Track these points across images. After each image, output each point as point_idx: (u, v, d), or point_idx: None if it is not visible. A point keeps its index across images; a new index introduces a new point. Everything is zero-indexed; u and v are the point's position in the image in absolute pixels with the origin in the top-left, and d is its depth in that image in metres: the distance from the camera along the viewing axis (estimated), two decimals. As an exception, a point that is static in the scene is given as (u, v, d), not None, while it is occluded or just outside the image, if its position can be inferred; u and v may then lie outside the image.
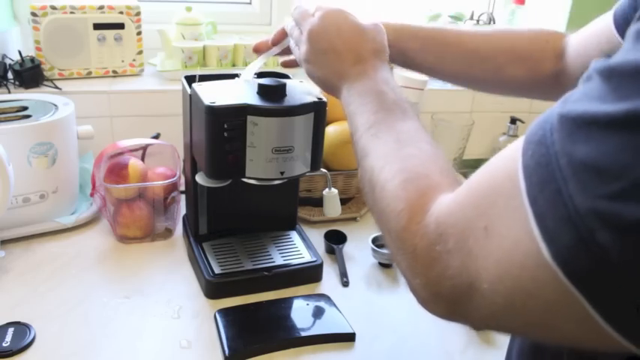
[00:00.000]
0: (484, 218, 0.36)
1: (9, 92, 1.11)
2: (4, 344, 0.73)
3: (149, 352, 0.75)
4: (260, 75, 0.82)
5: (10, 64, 1.13)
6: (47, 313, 0.80)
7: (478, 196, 0.37)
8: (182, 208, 1.03)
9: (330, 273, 0.94)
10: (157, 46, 1.28)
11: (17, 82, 1.13)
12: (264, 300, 0.85)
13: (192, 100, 0.81)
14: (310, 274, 0.92)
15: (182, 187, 1.01)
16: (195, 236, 0.94)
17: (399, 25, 0.75)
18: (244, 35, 1.33)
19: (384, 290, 0.92)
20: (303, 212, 1.08)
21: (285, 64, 0.82)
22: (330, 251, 1.00)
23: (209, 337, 0.78)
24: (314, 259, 0.92)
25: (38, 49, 1.15)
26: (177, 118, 0.94)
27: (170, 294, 0.86)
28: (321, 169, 0.85)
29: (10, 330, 0.75)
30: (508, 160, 0.35)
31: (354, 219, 1.11)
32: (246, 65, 1.25)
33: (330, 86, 0.66)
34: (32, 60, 1.14)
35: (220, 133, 0.75)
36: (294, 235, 0.98)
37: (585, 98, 0.32)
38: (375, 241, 0.98)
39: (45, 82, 1.15)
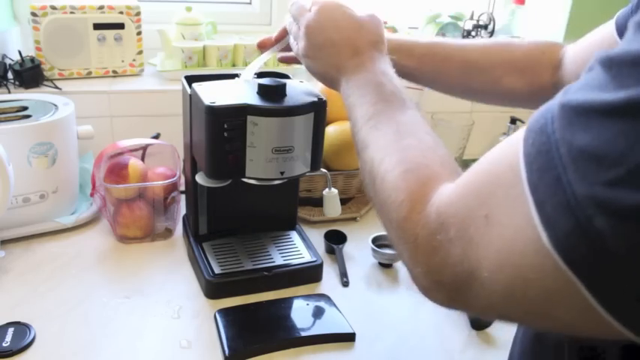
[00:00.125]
0: (485, 207, 0.36)
1: (9, 92, 1.11)
2: (4, 344, 0.73)
3: (149, 352, 0.75)
4: (260, 75, 0.82)
5: (10, 64, 1.13)
6: (47, 313, 0.80)
7: (479, 185, 0.38)
8: (182, 208, 1.03)
9: (330, 273, 0.94)
10: (157, 46, 1.28)
11: (17, 82, 1.13)
12: (264, 300, 0.85)
13: (192, 100, 0.81)
14: (310, 274, 0.92)
15: (182, 187, 1.01)
16: (195, 236, 0.94)
17: (394, 42, 0.74)
18: (244, 35, 1.33)
19: (384, 290, 0.92)
20: (303, 212, 1.08)
21: (282, 60, 0.82)
22: (330, 251, 1.00)
23: (209, 337, 0.78)
24: (314, 259, 0.92)
25: (38, 49, 1.15)
26: (177, 118, 0.94)
27: (170, 294, 0.86)
28: (321, 169, 0.85)
29: (10, 330, 0.75)
30: (509, 150, 0.36)
31: (354, 219, 1.11)
32: (246, 65, 1.25)
33: (330, 80, 0.66)
34: (32, 60, 1.14)
35: (220, 133, 0.75)
36: (294, 235, 0.98)
37: (586, 87, 0.32)
38: (375, 241, 0.98)
39: (45, 82, 1.15)
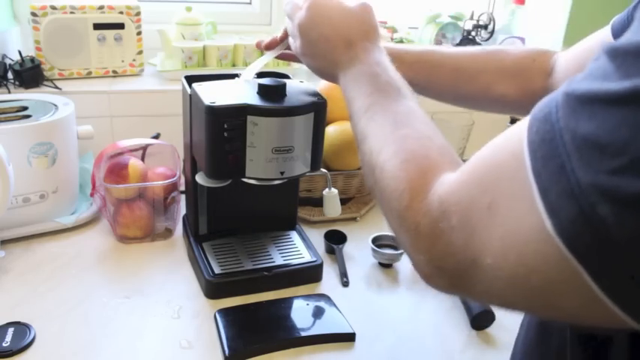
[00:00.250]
0: (488, 195, 0.36)
1: (9, 92, 1.11)
2: (4, 344, 0.73)
3: (149, 352, 0.75)
4: (260, 75, 0.82)
5: (10, 64, 1.13)
6: (47, 313, 0.80)
7: (482, 174, 0.38)
8: (182, 208, 1.03)
9: (330, 273, 0.94)
10: (157, 46, 1.28)
11: (17, 82, 1.13)
12: (264, 300, 0.85)
13: (192, 100, 0.81)
14: (310, 274, 0.92)
15: (182, 187, 1.01)
16: (195, 236, 0.94)
17: (387, 50, 0.75)
18: (244, 35, 1.33)
19: (384, 290, 0.92)
20: (303, 212, 1.08)
21: (281, 57, 0.82)
22: (330, 251, 1.00)
23: (209, 337, 0.78)
24: (314, 259, 0.92)
25: (38, 49, 1.15)
26: (177, 118, 0.94)
27: (170, 294, 0.86)
28: (321, 169, 0.85)
29: (10, 330, 0.75)
30: (513, 138, 0.36)
31: (354, 219, 1.11)
32: (246, 65, 1.25)
33: (329, 75, 0.66)
34: (32, 60, 1.14)
35: (220, 133, 0.75)
36: (294, 235, 0.98)
37: (590, 77, 0.33)
38: (375, 241, 0.98)
39: (45, 82, 1.15)
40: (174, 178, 1.00)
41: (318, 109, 0.79)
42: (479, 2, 1.57)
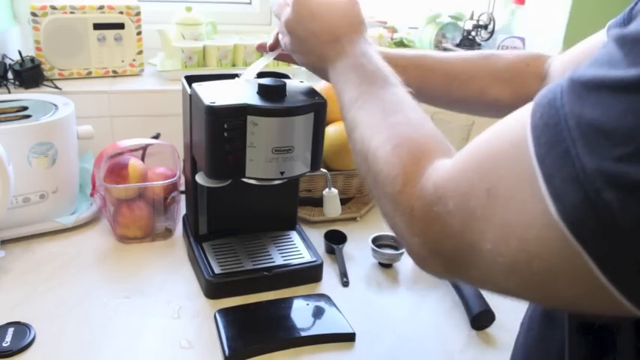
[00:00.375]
0: (487, 180, 0.36)
1: (9, 92, 1.11)
2: (4, 344, 0.73)
3: (149, 352, 0.75)
4: (260, 75, 0.82)
5: (10, 64, 1.13)
6: (47, 313, 0.80)
7: (481, 159, 0.38)
8: (182, 208, 1.03)
9: (330, 273, 0.94)
10: (157, 46, 1.28)
11: (17, 82, 1.13)
12: (264, 300, 0.85)
13: (192, 100, 0.81)
14: (310, 274, 0.92)
15: (182, 187, 1.01)
16: (195, 236, 0.94)
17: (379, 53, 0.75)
18: (244, 35, 1.33)
19: (384, 290, 0.92)
20: (303, 212, 1.08)
21: (279, 58, 0.83)
22: (330, 251, 1.00)
23: (209, 337, 0.78)
24: (314, 259, 0.92)
25: (38, 49, 1.15)
26: (177, 118, 0.94)
27: (170, 294, 0.86)
28: (321, 169, 0.85)
29: (10, 330, 0.75)
30: (515, 124, 0.36)
31: (354, 219, 1.11)
32: (246, 65, 1.25)
33: (320, 71, 0.67)
34: (32, 60, 1.14)
35: (220, 133, 0.75)
36: (294, 235, 0.98)
37: (597, 64, 0.33)
38: (375, 241, 0.98)
39: (45, 82, 1.15)
40: (174, 178, 1.00)
41: (318, 109, 0.79)
42: (479, 2, 1.57)
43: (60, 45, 1.16)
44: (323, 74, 0.67)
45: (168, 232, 1.02)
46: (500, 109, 0.77)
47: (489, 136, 0.39)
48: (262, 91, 0.77)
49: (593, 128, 0.30)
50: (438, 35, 1.46)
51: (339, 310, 0.84)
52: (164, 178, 1.02)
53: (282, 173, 0.79)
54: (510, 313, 0.81)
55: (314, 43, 0.65)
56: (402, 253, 0.96)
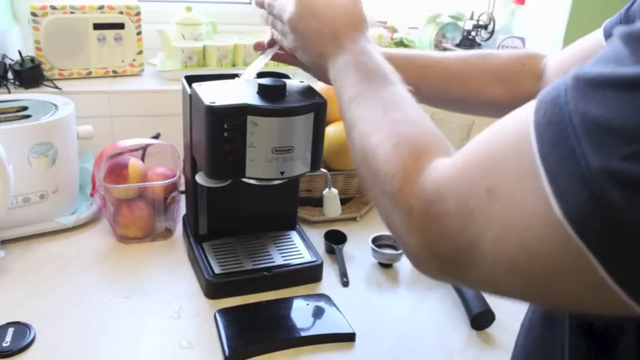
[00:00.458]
0: (487, 179, 0.36)
1: (9, 92, 1.11)
2: (4, 344, 0.73)
3: (149, 352, 0.75)
4: (260, 75, 0.82)
5: (10, 64, 1.13)
6: (47, 313, 0.80)
7: (482, 158, 0.37)
8: (182, 208, 1.03)
9: (330, 273, 0.94)
10: (157, 46, 1.28)
11: (17, 82, 1.13)
12: (264, 300, 0.85)
13: (192, 100, 0.81)
14: (310, 274, 0.92)
15: (182, 187, 1.01)
16: (195, 236, 0.94)
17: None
18: (244, 35, 1.33)
19: (384, 290, 0.92)
20: (303, 212, 1.08)
21: (276, 58, 0.83)
22: (330, 251, 1.00)
23: (209, 337, 0.78)
24: (314, 259, 0.92)
25: (38, 49, 1.15)
26: (177, 118, 0.94)
27: (170, 294, 0.86)
28: (321, 169, 0.85)
29: (10, 330, 0.75)
30: (517, 122, 0.36)
31: (354, 219, 1.11)
32: (246, 65, 1.25)
33: (320, 69, 0.66)
34: (32, 60, 1.14)
35: (220, 133, 0.75)
36: (294, 235, 0.98)
37: (602, 61, 0.32)
38: (375, 241, 0.98)
39: (45, 82, 1.15)
40: (174, 178, 1.00)
41: (318, 109, 0.79)
42: (479, 2, 1.57)
43: (60, 45, 1.16)
44: (323, 73, 0.66)
45: (168, 232, 1.02)
46: (497, 108, 0.77)
47: (490, 134, 0.38)
48: (262, 91, 0.77)
49: (599, 126, 0.30)
50: (438, 35, 1.46)
51: (339, 310, 0.84)
52: (164, 178, 1.02)
53: (282, 173, 0.79)
54: (510, 314, 0.81)
55: (315, 39, 0.65)
56: (402, 253, 0.96)
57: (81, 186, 1.07)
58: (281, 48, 0.79)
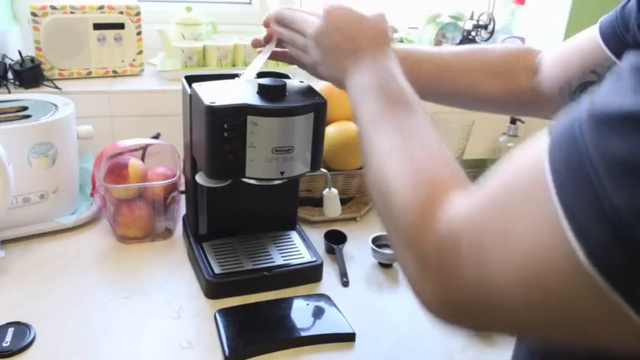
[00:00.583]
0: (503, 222, 0.35)
1: (9, 92, 1.11)
2: (4, 344, 0.73)
3: (149, 352, 0.75)
4: (260, 75, 0.82)
5: (10, 64, 1.13)
6: (47, 313, 0.80)
7: (497, 200, 0.36)
8: (182, 208, 1.03)
9: (330, 273, 0.94)
10: (157, 46, 1.27)
11: (17, 82, 1.13)
12: (264, 300, 0.85)
13: (192, 100, 0.81)
14: (310, 274, 0.92)
15: (182, 187, 1.01)
16: (195, 236, 0.94)
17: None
18: (244, 35, 1.33)
19: (384, 290, 0.92)
20: (303, 212, 1.08)
21: (273, 57, 0.82)
22: (330, 251, 1.00)
23: (209, 337, 0.78)
24: (314, 259, 0.92)
25: (38, 49, 1.15)
26: (177, 118, 0.94)
27: (170, 294, 0.86)
28: (321, 169, 0.85)
29: (10, 330, 0.75)
30: (531, 161, 0.34)
31: (354, 219, 1.11)
32: (246, 65, 1.25)
33: (338, 81, 0.66)
34: (32, 60, 1.14)
35: (220, 133, 0.75)
36: (294, 235, 0.98)
37: (617, 94, 0.31)
38: (375, 241, 0.98)
39: (45, 82, 1.15)
40: (174, 178, 1.00)
41: (318, 109, 0.79)
42: (479, 2, 1.57)
43: (60, 45, 1.16)
44: (341, 85, 0.65)
45: (168, 232, 1.02)
46: (491, 103, 0.77)
47: (505, 173, 0.37)
48: (262, 91, 0.77)
49: (621, 163, 0.28)
50: (438, 35, 1.46)
51: (339, 310, 0.84)
52: (164, 178, 1.02)
53: (282, 173, 0.79)
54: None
55: (336, 53, 0.64)
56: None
57: (81, 186, 1.07)
58: (278, 44, 0.79)
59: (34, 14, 1.12)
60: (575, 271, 0.30)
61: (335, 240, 1.01)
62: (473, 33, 1.44)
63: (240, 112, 0.74)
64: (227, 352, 0.74)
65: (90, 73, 1.21)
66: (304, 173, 0.83)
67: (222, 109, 0.74)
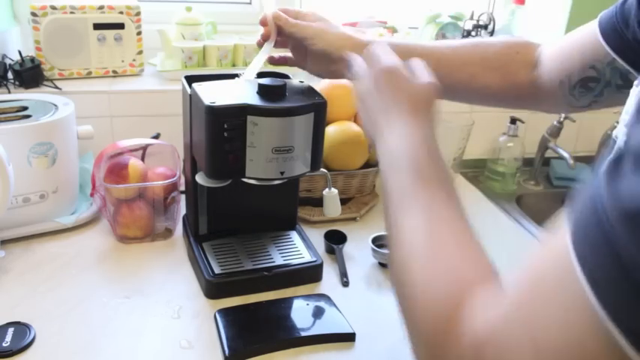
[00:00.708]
0: (532, 330, 0.33)
1: (9, 92, 1.11)
2: (4, 344, 0.73)
3: (149, 352, 0.75)
4: (260, 75, 0.82)
5: (10, 64, 1.13)
6: (47, 313, 0.80)
7: (522, 305, 0.34)
8: (182, 208, 1.03)
9: (330, 273, 0.94)
10: (157, 46, 1.28)
11: (17, 82, 1.13)
12: (264, 300, 0.85)
13: (192, 100, 0.81)
14: (310, 274, 0.92)
15: (182, 187, 1.01)
16: (195, 236, 0.94)
17: (367, 41, 0.74)
18: (244, 35, 1.33)
19: (384, 290, 0.92)
20: (303, 212, 1.08)
21: (274, 62, 0.82)
22: (330, 251, 1.00)
23: (209, 337, 0.78)
24: (314, 259, 0.92)
25: (38, 49, 1.15)
26: (177, 118, 0.94)
27: (170, 294, 0.86)
28: (321, 169, 0.85)
29: (10, 330, 0.75)
30: (557, 260, 0.32)
31: (354, 219, 1.11)
32: (246, 65, 1.25)
33: (371, 140, 0.61)
34: (32, 60, 1.14)
35: (220, 133, 0.75)
36: (294, 235, 0.98)
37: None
38: (375, 241, 0.98)
39: (45, 82, 1.15)
40: (174, 178, 1.00)
41: (318, 109, 0.79)
42: (479, 2, 1.57)
43: (60, 45, 1.16)
44: (372, 139, 0.61)
45: (168, 232, 1.02)
46: (489, 96, 0.76)
47: (529, 273, 0.35)
48: (262, 91, 0.77)
49: None
50: (438, 35, 1.46)
51: (339, 310, 0.84)
52: (164, 178, 1.02)
53: (282, 173, 0.79)
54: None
55: (374, 113, 0.60)
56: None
57: (81, 186, 1.07)
58: (277, 42, 0.79)
59: (34, 14, 1.12)
60: None
61: (335, 240, 1.01)
62: (473, 33, 1.44)
63: (240, 112, 0.74)
64: (227, 352, 0.74)
65: (90, 73, 1.21)
66: (304, 173, 0.83)
67: (222, 109, 0.74)
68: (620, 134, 0.35)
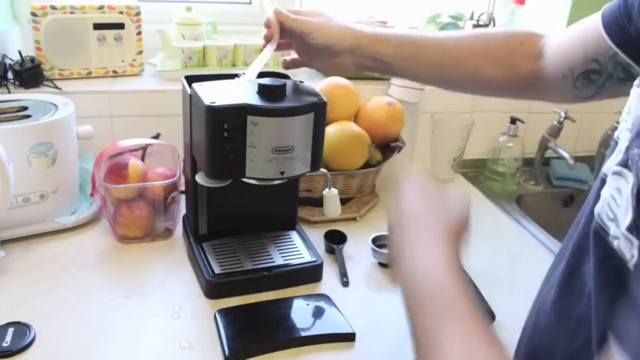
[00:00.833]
0: None
1: (9, 92, 1.11)
2: (4, 344, 0.73)
3: (149, 352, 0.75)
4: (260, 75, 0.82)
5: (10, 64, 1.13)
6: (47, 313, 0.80)
7: None
8: (182, 208, 1.03)
9: (330, 273, 0.94)
10: (157, 46, 1.28)
11: (17, 82, 1.13)
12: (264, 300, 0.85)
13: (192, 100, 0.81)
14: (310, 274, 0.92)
15: (182, 187, 1.01)
16: (195, 236, 0.94)
17: (372, 33, 0.74)
18: (244, 35, 1.33)
19: (384, 290, 0.92)
20: (303, 212, 1.08)
21: (287, 65, 0.83)
22: (330, 251, 1.00)
23: (209, 337, 0.78)
24: (314, 259, 0.92)
25: (38, 49, 1.15)
26: (177, 118, 0.94)
27: (170, 294, 0.86)
28: (321, 169, 0.85)
29: (10, 330, 0.75)
30: None
31: (354, 219, 1.11)
32: (246, 65, 1.25)
33: (394, 263, 0.57)
34: (32, 60, 1.14)
35: (220, 133, 0.75)
36: (294, 235, 0.98)
37: None
38: (375, 241, 0.98)
39: (45, 82, 1.15)
40: (174, 178, 1.00)
41: (318, 109, 0.79)
42: (479, 2, 1.57)
43: (60, 45, 1.16)
44: (393, 268, 0.56)
45: (168, 232, 1.02)
46: (494, 87, 0.76)
47: None
48: (262, 91, 0.77)
49: None
50: (438, 35, 1.46)
51: (339, 310, 0.84)
52: (164, 178, 1.02)
53: (282, 173, 0.79)
54: (510, 314, 0.81)
55: (398, 246, 0.56)
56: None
57: (81, 186, 1.07)
58: (281, 44, 0.79)
59: (34, 14, 1.12)
60: None
61: (335, 240, 1.01)
62: (473, 33, 1.44)
63: (240, 112, 0.74)
64: (227, 352, 0.74)
65: (90, 73, 1.21)
66: (304, 173, 0.83)
67: (222, 109, 0.74)
68: (622, 136, 0.35)
